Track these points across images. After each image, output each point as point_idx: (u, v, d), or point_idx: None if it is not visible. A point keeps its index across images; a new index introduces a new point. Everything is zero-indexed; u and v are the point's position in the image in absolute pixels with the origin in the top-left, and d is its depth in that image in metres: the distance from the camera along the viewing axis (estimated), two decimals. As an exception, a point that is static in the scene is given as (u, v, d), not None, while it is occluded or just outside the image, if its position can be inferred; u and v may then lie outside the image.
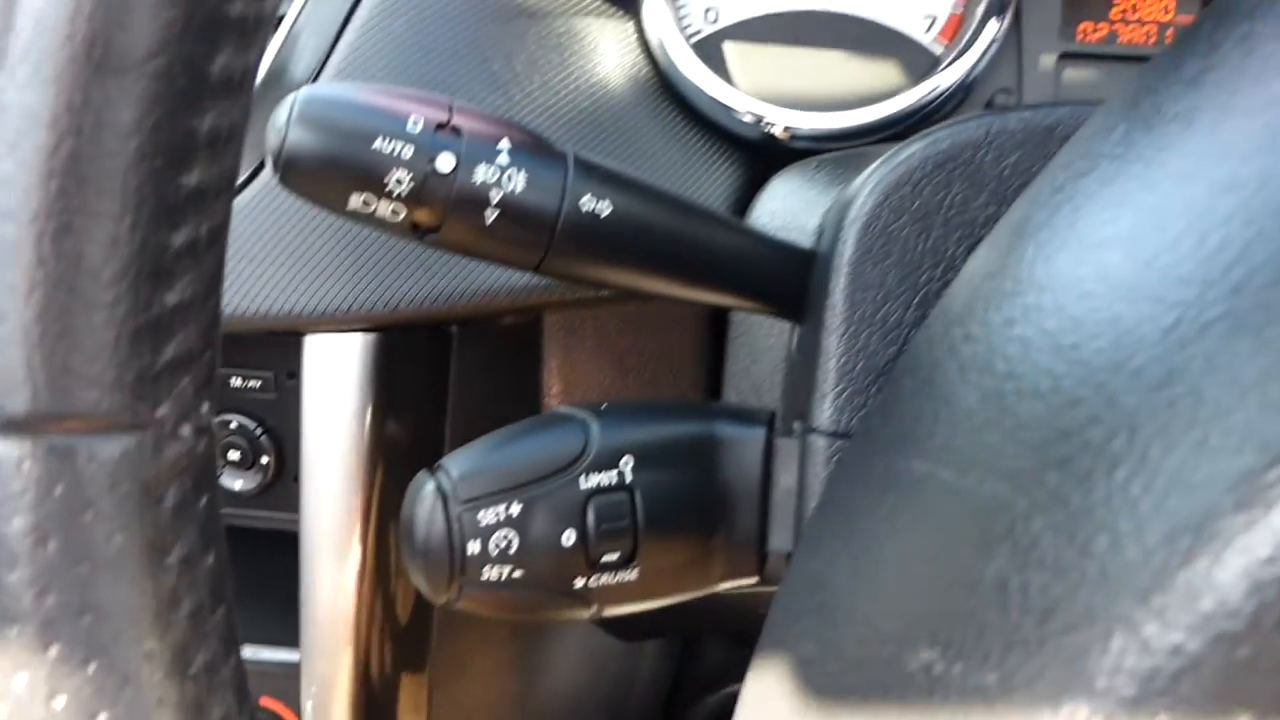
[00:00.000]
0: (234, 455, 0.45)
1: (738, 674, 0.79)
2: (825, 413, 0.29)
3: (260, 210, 0.39)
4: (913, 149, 0.29)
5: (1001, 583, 0.14)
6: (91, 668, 0.17)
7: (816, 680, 0.17)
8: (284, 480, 0.46)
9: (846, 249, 0.29)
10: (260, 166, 0.40)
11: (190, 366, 0.18)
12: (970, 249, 0.29)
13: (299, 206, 0.39)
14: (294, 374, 0.44)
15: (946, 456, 0.16)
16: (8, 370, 0.16)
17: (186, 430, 0.18)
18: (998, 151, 0.29)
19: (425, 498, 0.28)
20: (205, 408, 0.18)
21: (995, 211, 0.29)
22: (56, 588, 0.17)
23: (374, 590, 0.44)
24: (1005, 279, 0.18)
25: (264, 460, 0.45)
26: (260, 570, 0.50)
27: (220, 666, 0.19)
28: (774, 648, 0.19)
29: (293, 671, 0.46)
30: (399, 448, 0.42)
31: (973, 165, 0.29)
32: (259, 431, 0.45)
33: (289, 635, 0.46)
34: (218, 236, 0.18)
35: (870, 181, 0.29)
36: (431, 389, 0.43)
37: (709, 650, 0.75)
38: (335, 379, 0.40)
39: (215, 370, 0.19)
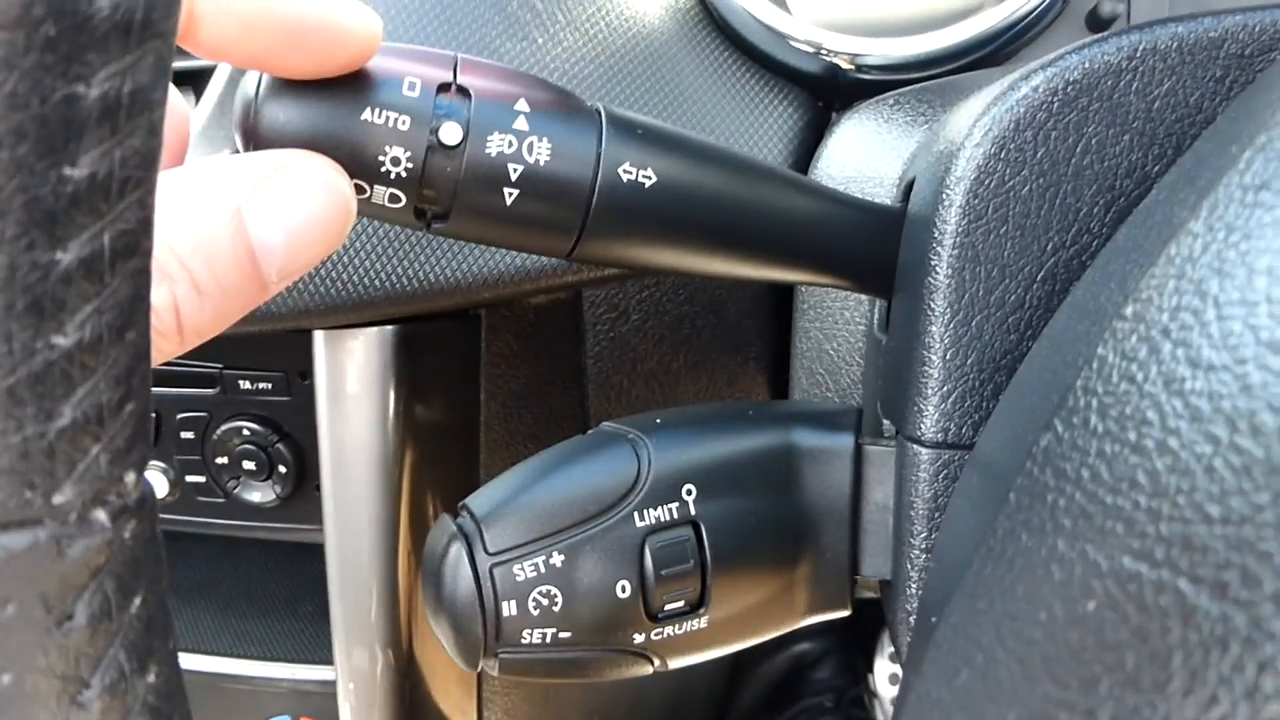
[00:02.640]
0: (249, 465, 0.41)
1: (801, 633, 0.75)
2: (929, 418, 0.24)
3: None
4: (1034, 80, 0.23)
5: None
6: None
7: None
8: (306, 489, 0.42)
9: (951, 214, 0.23)
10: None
11: (102, 428, 0.13)
12: (1110, 208, 0.23)
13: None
14: (306, 374, 0.39)
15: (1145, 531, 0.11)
16: None
17: (101, 516, 0.13)
18: (1145, 79, 0.23)
19: (447, 551, 0.23)
20: (130, 478, 0.14)
21: (1142, 158, 0.23)
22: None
23: (410, 604, 0.40)
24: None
25: (281, 469, 0.41)
26: (291, 583, 0.47)
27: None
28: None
29: (330, 689, 0.42)
30: (428, 450, 0.38)
31: (1113, 99, 0.23)
32: (274, 439, 0.41)
33: (326, 651, 0.42)
34: (133, 247, 0.13)
35: (980, 126, 0.23)
36: (460, 382, 0.39)
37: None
38: (351, 378, 0.36)
39: (145, 424, 0.14)
